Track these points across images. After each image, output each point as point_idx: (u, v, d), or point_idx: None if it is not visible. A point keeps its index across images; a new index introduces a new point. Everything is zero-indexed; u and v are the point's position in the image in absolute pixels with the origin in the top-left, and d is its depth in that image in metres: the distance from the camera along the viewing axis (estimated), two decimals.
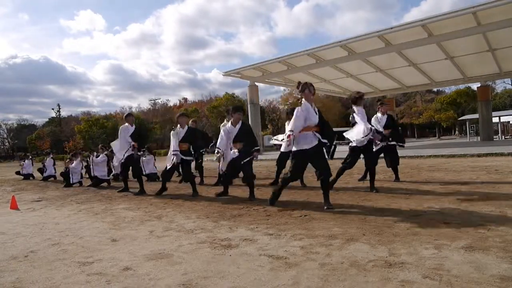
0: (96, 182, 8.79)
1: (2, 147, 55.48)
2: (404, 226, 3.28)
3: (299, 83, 4.48)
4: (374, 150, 5.81)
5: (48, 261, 2.85)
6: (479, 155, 10.87)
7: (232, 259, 2.65)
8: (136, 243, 3.25)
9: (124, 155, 6.92)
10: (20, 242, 3.54)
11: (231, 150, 5.54)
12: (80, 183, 9.35)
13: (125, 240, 3.39)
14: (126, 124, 7.06)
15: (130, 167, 7.10)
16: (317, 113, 4.40)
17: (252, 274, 2.32)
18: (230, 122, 5.72)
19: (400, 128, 7.54)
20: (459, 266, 2.23)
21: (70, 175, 9.30)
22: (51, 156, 12.56)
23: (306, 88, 4.36)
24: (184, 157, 6.19)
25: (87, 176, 10.00)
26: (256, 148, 5.48)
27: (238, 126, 5.53)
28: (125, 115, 7.55)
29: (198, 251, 2.89)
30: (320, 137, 4.32)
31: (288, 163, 5.08)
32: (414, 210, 3.96)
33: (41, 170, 11.85)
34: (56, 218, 4.77)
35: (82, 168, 9.61)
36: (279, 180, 5.33)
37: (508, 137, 30.21)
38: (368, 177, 5.73)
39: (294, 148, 4.43)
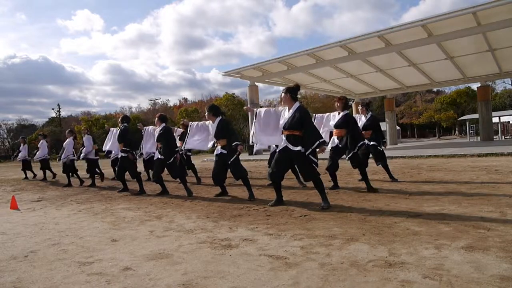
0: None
1: (2, 147, 55.36)
2: (404, 226, 3.28)
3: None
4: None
5: (48, 261, 2.85)
6: (479, 155, 10.87)
7: (232, 259, 2.65)
8: (136, 243, 3.25)
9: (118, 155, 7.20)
10: (20, 242, 3.54)
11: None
12: (81, 182, 9.33)
13: (125, 240, 3.39)
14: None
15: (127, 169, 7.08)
16: (293, 117, 4.37)
17: (252, 274, 2.32)
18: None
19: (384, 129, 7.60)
20: (459, 266, 2.23)
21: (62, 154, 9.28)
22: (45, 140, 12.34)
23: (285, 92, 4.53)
24: (159, 156, 6.35)
25: (89, 175, 9.95)
26: (235, 143, 5.34)
27: (215, 123, 5.56)
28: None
29: (198, 251, 2.89)
30: (287, 143, 4.40)
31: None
32: (414, 210, 3.96)
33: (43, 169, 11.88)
34: (56, 218, 4.77)
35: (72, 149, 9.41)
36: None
37: (508, 137, 30.19)
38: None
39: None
